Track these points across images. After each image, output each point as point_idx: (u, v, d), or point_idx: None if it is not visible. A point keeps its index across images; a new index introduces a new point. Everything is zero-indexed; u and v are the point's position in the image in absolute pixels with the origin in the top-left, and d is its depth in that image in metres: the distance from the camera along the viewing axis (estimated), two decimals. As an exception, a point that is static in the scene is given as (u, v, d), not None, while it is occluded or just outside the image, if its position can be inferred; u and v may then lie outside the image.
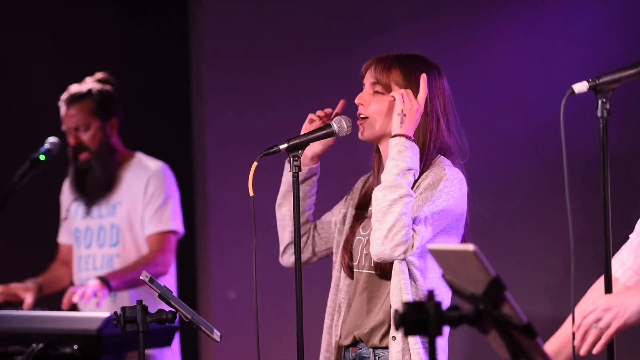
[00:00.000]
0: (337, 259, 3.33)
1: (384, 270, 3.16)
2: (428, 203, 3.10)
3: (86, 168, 4.81)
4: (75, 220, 4.89)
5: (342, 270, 3.29)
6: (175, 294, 4.84)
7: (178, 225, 4.81)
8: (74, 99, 4.81)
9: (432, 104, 3.20)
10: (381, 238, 3.04)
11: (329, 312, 3.33)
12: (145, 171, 4.82)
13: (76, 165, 4.83)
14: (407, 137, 3.11)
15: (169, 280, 4.80)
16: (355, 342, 3.23)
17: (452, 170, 3.16)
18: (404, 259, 3.07)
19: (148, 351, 4.60)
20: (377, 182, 3.21)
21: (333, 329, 3.30)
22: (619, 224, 2.92)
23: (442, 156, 3.21)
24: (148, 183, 4.79)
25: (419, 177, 3.15)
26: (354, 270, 3.27)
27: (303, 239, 3.40)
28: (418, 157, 3.12)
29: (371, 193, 3.15)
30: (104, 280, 4.51)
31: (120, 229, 4.79)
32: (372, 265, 3.18)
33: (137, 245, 4.79)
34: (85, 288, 4.44)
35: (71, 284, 4.87)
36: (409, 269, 3.10)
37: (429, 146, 3.19)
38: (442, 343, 3.15)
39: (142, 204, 4.77)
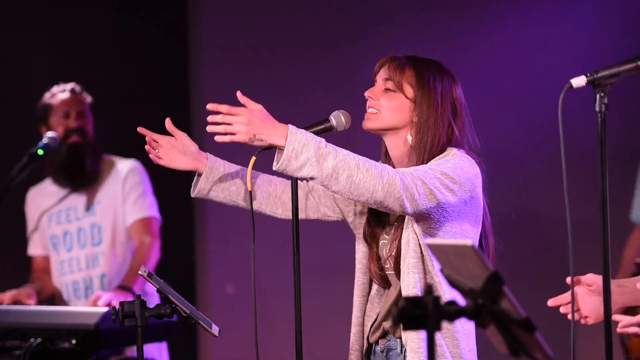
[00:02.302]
0: (359, 265, 3.30)
1: (397, 268, 3.14)
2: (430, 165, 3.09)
3: (78, 150, 4.80)
4: (49, 228, 4.90)
5: (375, 281, 3.26)
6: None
7: (157, 214, 4.86)
8: (76, 92, 4.85)
9: (443, 108, 3.18)
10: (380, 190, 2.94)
11: (356, 315, 3.30)
12: (121, 169, 4.86)
13: (66, 149, 4.81)
14: (286, 133, 3.02)
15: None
16: (385, 334, 3.23)
17: (461, 152, 3.14)
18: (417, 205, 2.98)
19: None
20: None
21: (361, 327, 3.28)
22: (618, 219, 2.93)
23: (451, 147, 3.19)
24: (126, 179, 4.84)
25: None
26: (386, 273, 3.25)
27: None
28: (304, 133, 3.02)
29: None
30: (126, 288, 4.52)
31: (101, 228, 4.81)
32: (393, 265, 3.17)
33: (121, 241, 4.81)
34: (111, 296, 4.42)
35: (53, 291, 4.88)
36: (423, 264, 3.07)
37: (434, 150, 3.16)
38: (468, 326, 3.12)
39: (121, 198, 4.80)
